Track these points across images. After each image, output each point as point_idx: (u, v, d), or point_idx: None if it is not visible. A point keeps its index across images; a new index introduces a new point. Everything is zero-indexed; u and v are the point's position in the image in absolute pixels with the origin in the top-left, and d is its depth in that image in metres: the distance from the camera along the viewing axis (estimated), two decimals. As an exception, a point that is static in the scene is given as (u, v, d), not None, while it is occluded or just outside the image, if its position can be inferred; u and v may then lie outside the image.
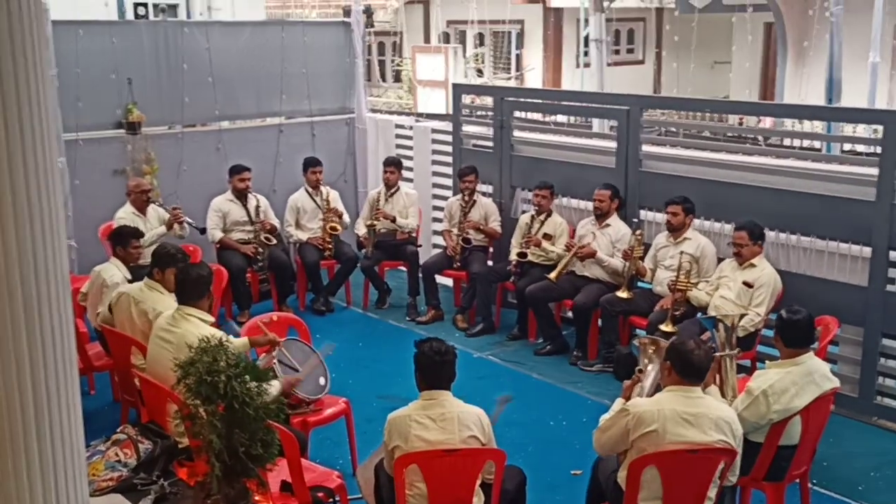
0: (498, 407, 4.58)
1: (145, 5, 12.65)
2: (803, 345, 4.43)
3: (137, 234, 6.15)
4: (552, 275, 6.96)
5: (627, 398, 4.17)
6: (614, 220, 6.99)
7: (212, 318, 4.77)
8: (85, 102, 7.66)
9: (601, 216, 6.98)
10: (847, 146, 9.50)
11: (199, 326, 4.54)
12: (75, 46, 7.56)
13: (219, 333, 4.22)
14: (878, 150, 5.86)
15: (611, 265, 6.87)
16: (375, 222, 8.09)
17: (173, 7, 13.01)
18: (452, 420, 3.85)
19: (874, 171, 5.82)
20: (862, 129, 10.89)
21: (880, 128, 5.83)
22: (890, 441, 5.70)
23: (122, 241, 6.02)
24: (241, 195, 7.83)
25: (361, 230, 8.26)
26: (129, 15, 12.12)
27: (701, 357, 3.84)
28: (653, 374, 4.26)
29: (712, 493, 3.85)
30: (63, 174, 7.37)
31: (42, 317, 2.29)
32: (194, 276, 4.73)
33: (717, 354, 4.55)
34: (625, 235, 6.88)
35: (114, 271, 5.86)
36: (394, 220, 8.08)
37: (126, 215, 7.06)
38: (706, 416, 3.79)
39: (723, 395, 4.45)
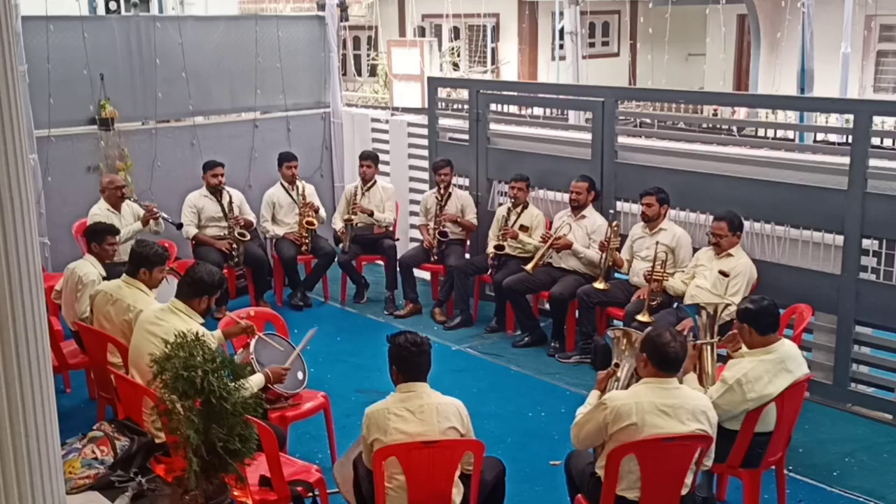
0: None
1: (117, 0, 12.52)
2: (775, 329, 4.48)
3: (112, 230, 6.10)
4: (528, 266, 6.98)
5: (602, 390, 4.20)
6: (590, 212, 7.02)
7: (200, 319, 4.75)
8: (56, 98, 7.59)
9: (577, 208, 7.01)
10: (819, 136, 9.59)
11: (185, 322, 4.53)
12: (46, 42, 7.49)
13: (198, 329, 4.21)
14: (850, 139, 5.92)
15: (587, 256, 6.90)
16: (353, 216, 8.07)
17: (145, 2, 12.91)
18: (431, 412, 3.85)
19: (846, 160, 5.88)
20: (834, 119, 11.00)
21: (851, 117, 5.89)
22: (864, 427, 5.77)
23: (97, 237, 5.97)
24: (216, 191, 7.80)
25: (338, 225, 8.24)
26: (101, 10, 11.98)
27: (677, 349, 3.86)
28: (627, 365, 4.28)
29: (689, 479, 3.89)
30: (35, 171, 7.31)
31: (15, 315, 2.27)
32: (198, 277, 4.73)
33: (698, 342, 4.60)
34: (601, 227, 6.91)
35: (88, 268, 5.80)
36: (371, 215, 8.07)
37: (100, 212, 7.01)
38: (683, 406, 3.82)
39: (701, 382, 4.49)
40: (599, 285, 6.68)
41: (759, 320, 4.43)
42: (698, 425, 3.81)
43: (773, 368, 4.34)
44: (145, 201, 7.37)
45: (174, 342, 3.38)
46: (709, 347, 4.59)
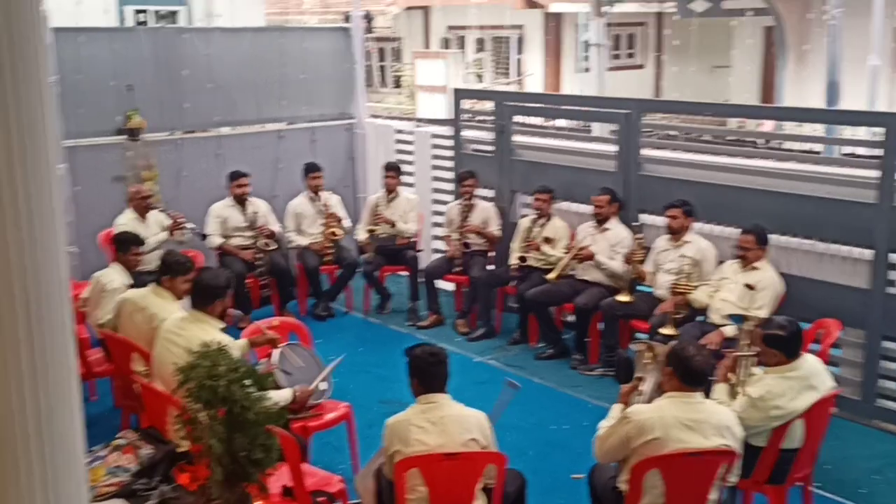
0: (504, 394, 4.54)
1: (145, 12, 12.67)
2: (798, 353, 4.41)
3: (138, 241, 6.16)
4: (551, 275, 6.96)
5: (625, 403, 4.17)
6: (614, 224, 6.99)
7: (221, 324, 4.78)
8: (85, 109, 7.68)
9: (601, 221, 6.99)
10: (847, 149, 9.51)
11: (207, 331, 4.55)
12: (76, 53, 7.58)
13: (222, 338, 4.22)
14: (879, 152, 5.86)
15: (610, 268, 6.87)
16: (376, 227, 8.09)
17: (173, 14, 13.05)
18: (452, 423, 3.85)
19: (875, 173, 5.82)
20: (862, 132, 10.89)
21: (881, 130, 5.83)
22: (892, 443, 5.70)
23: (123, 247, 6.03)
24: (240, 201, 7.84)
25: (362, 235, 8.26)
26: (130, 22, 12.15)
27: (701, 362, 3.83)
28: (651, 379, 4.26)
29: (714, 495, 3.85)
30: (63, 180, 7.38)
31: (42, 322, 2.29)
32: (204, 283, 4.77)
33: (737, 353, 4.56)
34: (624, 239, 6.88)
35: (114, 276, 5.86)
36: (394, 225, 8.08)
37: (127, 221, 7.07)
38: (707, 421, 3.79)
39: (733, 394, 4.44)
40: (623, 297, 6.64)
41: (789, 346, 4.37)
42: (722, 440, 3.77)
43: (797, 385, 4.29)
44: (171, 211, 7.42)
45: (198, 352, 3.40)
46: (746, 360, 4.55)
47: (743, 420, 4.11)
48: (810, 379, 4.34)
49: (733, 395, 4.46)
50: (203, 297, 4.75)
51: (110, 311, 5.62)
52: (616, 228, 6.97)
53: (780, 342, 4.37)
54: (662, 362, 4.00)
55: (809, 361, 4.45)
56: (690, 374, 3.82)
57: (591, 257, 6.90)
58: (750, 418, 4.23)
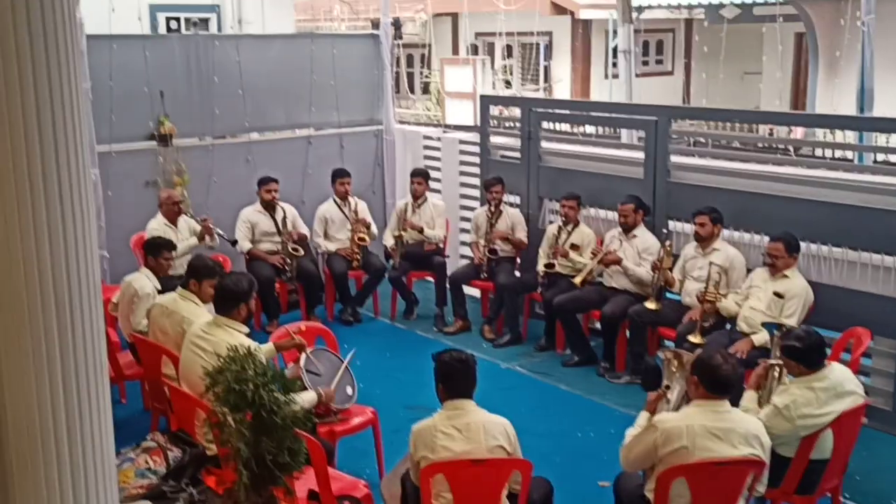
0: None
1: (177, 20, 12.81)
2: (823, 361, 4.39)
3: (170, 246, 6.23)
4: (577, 279, 6.95)
5: (652, 411, 4.15)
6: (641, 231, 6.96)
7: (246, 329, 4.81)
8: (118, 115, 7.78)
9: (627, 229, 6.96)
10: (880, 156, 9.39)
11: (233, 336, 4.59)
12: (109, 60, 7.67)
13: (249, 343, 4.26)
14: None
15: (636, 274, 6.84)
16: (403, 233, 8.11)
17: (205, 21, 13.17)
18: (478, 430, 3.85)
19: (907, 181, 5.76)
20: None
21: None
22: (924, 455, 5.62)
23: (155, 251, 6.09)
24: (269, 206, 7.90)
25: (389, 241, 8.28)
26: (162, 29, 12.28)
27: (728, 371, 3.81)
28: (678, 387, 4.24)
29: (741, 505, 3.83)
30: (96, 185, 7.48)
31: (74, 326, 2.33)
32: (228, 288, 4.80)
33: (770, 362, 4.57)
34: (652, 245, 6.85)
35: (144, 281, 5.92)
36: (421, 231, 8.10)
37: (158, 226, 7.15)
38: (735, 430, 3.76)
39: (762, 403, 4.42)
40: (651, 305, 6.61)
41: (808, 357, 4.34)
42: (750, 450, 3.74)
43: (823, 395, 4.26)
44: (201, 216, 7.49)
45: (227, 356, 3.43)
46: (779, 368, 4.52)
47: (769, 429, 4.07)
48: (837, 388, 4.30)
49: (762, 403, 4.44)
50: (226, 303, 4.79)
51: (142, 317, 5.69)
52: (643, 235, 6.94)
53: (796, 353, 4.34)
54: (688, 371, 3.98)
55: (837, 371, 4.40)
56: (717, 382, 3.80)
57: (618, 262, 6.87)
58: (776, 427, 4.20)
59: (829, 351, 4.64)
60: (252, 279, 5.03)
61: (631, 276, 6.87)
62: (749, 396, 4.53)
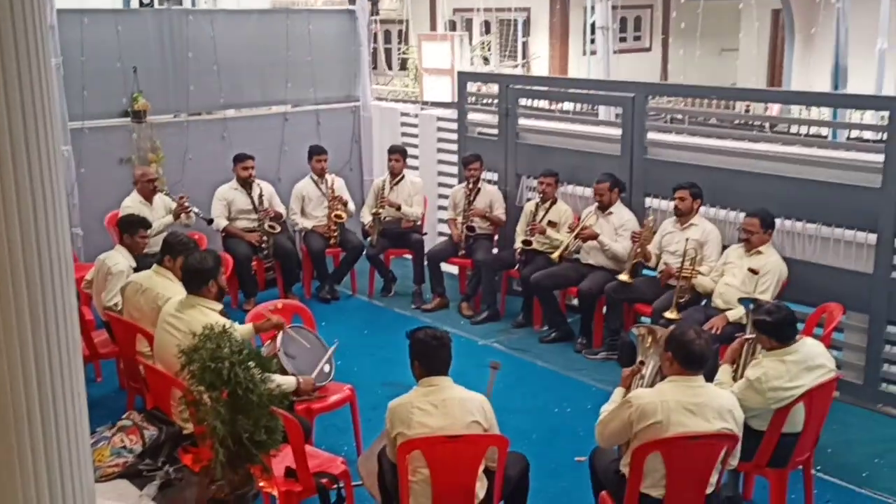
0: (491, 373, 4.55)
1: (150, -7, 12.63)
2: (794, 335, 4.45)
3: (146, 224, 6.19)
4: (554, 255, 6.98)
5: (627, 387, 4.18)
6: (617, 208, 6.98)
7: (219, 306, 4.78)
8: (90, 91, 7.68)
9: (603, 207, 6.97)
10: (854, 133, 9.46)
11: (205, 314, 4.56)
12: (80, 35, 7.57)
13: (224, 321, 4.24)
14: (885, 136, 5.84)
15: (612, 249, 6.86)
16: (380, 210, 8.09)
17: (178, -5, 12.99)
18: (454, 406, 3.86)
19: (880, 157, 5.80)
20: (869, 116, 10.84)
21: (887, 114, 5.80)
22: (894, 428, 5.70)
23: (131, 229, 6.04)
24: (246, 183, 7.85)
25: (366, 218, 8.26)
26: (134, 3, 12.11)
27: (702, 346, 3.83)
28: (652, 362, 4.27)
29: (714, 478, 3.87)
30: (69, 162, 7.40)
31: (46, 304, 2.31)
32: (194, 267, 4.74)
33: (745, 337, 4.63)
34: (628, 221, 6.88)
35: (119, 259, 5.88)
36: (399, 208, 8.08)
37: (132, 204, 7.08)
38: (708, 405, 3.80)
39: (736, 377, 4.48)
40: (624, 277, 6.63)
41: (779, 331, 4.40)
42: (724, 424, 3.78)
43: (794, 368, 4.32)
44: (177, 194, 7.43)
45: (202, 334, 3.42)
46: (750, 343, 4.58)
47: (742, 402, 4.12)
48: (808, 361, 4.36)
49: (736, 378, 4.49)
50: (194, 281, 4.74)
51: (116, 294, 5.65)
52: (620, 212, 6.96)
53: (767, 327, 4.40)
54: (662, 346, 4.01)
55: (808, 345, 4.47)
56: (690, 358, 3.83)
57: (594, 237, 6.89)
58: (748, 400, 4.25)
59: (801, 326, 4.69)
60: (218, 255, 5.00)
61: (607, 252, 6.90)
62: (724, 370, 4.59)
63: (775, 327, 4.38)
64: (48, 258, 2.30)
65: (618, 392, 4.20)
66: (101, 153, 7.85)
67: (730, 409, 3.84)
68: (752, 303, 4.81)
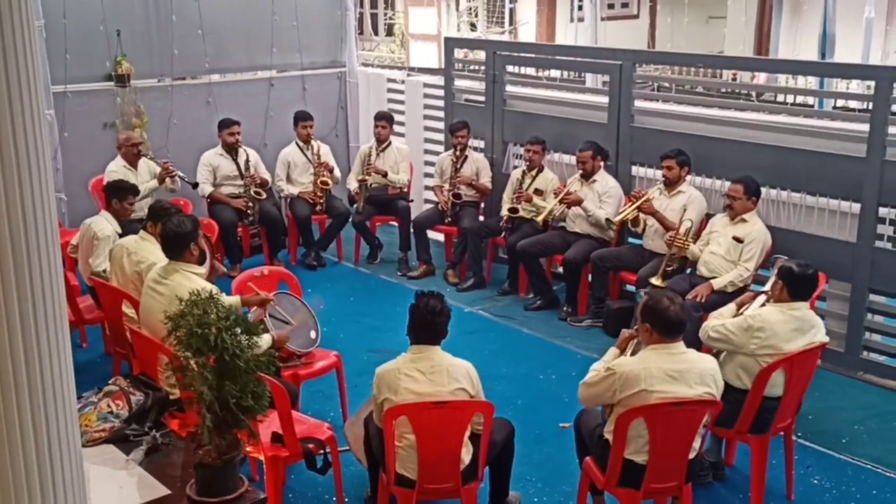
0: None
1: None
2: (806, 298, 4.56)
3: (135, 190, 6.17)
4: (539, 218, 6.98)
5: (622, 349, 4.18)
6: (601, 176, 6.98)
7: (201, 270, 4.77)
8: (73, 54, 7.58)
9: (587, 175, 6.97)
10: (840, 102, 9.47)
11: (189, 279, 4.55)
12: (62, -3, 7.46)
13: (209, 286, 4.23)
14: (870, 106, 5.85)
15: (595, 216, 6.86)
16: (367, 177, 8.06)
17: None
18: (441, 373, 3.88)
19: (865, 127, 5.82)
20: (855, 85, 10.85)
21: (873, 83, 5.81)
22: (875, 395, 5.78)
23: (120, 195, 6.00)
24: (231, 149, 7.80)
25: (353, 185, 8.23)
26: (117, -35, 11.93)
27: (677, 311, 3.84)
28: None
29: (697, 443, 3.92)
30: (52, 126, 7.33)
31: (31, 269, 2.30)
32: (173, 231, 4.70)
33: (761, 290, 4.85)
34: (612, 188, 6.89)
35: (104, 224, 5.85)
36: (385, 175, 8.05)
37: (117, 169, 7.03)
38: (691, 371, 3.83)
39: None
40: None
41: (797, 285, 4.51)
42: (705, 388, 3.82)
43: (790, 325, 4.43)
44: (161, 159, 7.38)
45: (188, 299, 3.41)
46: (766, 297, 4.72)
47: (728, 337, 4.39)
48: (804, 324, 4.46)
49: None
50: (175, 247, 4.71)
51: (105, 259, 5.63)
52: (604, 179, 6.96)
53: (789, 276, 4.51)
54: (639, 319, 4.01)
55: (810, 313, 4.56)
56: (667, 324, 3.84)
57: (579, 202, 6.88)
58: (737, 336, 4.42)
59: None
60: (196, 219, 4.97)
61: (590, 218, 6.90)
62: (729, 307, 4.79)
63: (796, 280, 4.50)
64: (33, 223, 2.29)
65: (611, 353, 4.20)
66: (84, 117, 7.78)
67: (711, 373, 3.88)
68: (775, 259, 4.96)
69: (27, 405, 2.32)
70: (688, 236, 6.23)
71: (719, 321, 4.58)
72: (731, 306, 4.79)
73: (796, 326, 4.42)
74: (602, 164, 6.98)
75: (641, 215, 6.57)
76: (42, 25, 7.12)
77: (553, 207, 6.99)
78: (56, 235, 2.42)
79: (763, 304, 4.68)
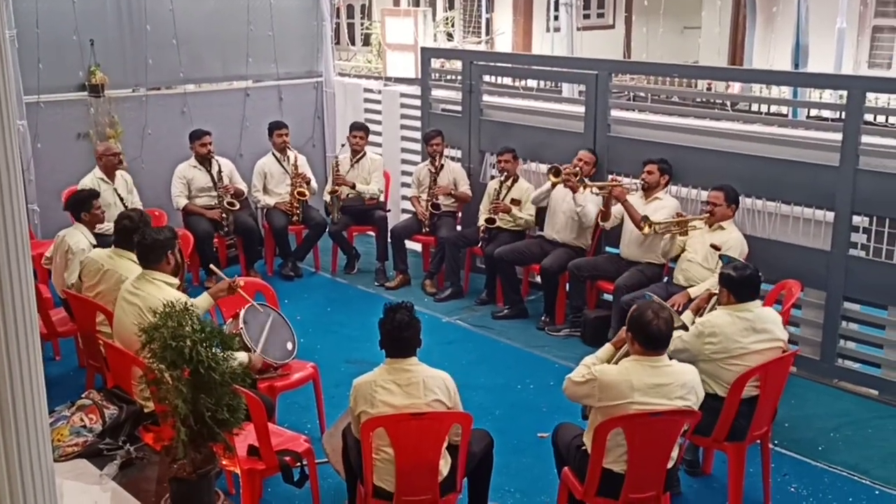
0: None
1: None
2: (753, 298, 4.62)
3: (95, 194, 6.08)
4: (555, 179, 6.77)
5: (617, 348, 4.15)
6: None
7: (176, 281, 4.72)
8: (46, 64, 7.51)
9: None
10: (813, 112, 9.57)
11: (163, 290, 4.51)
12: (35, 6, 7.38)
13: (183, 297, 4.19)
14: (843, 115, 5.91)
15: (585, 209, 6.76)
16: (337, 188, 8.03)
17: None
18: (418, 385, 3.85)
19: (838, 136, 5.87)
20: (828, 95, 10.97)
21: (845, 93, 5.87)
22: (850, 403, 5.81)
23: (84, 206, 5.92)
24: (205, 160, 7.75)
25: (328, 196, 8.20)
26: (91, -26, 11.85)
27: (660, 326, 3.81)
28: None
29: (675, 453, 3.92)
30: (24, 137, 7.25)
31: (2, 282, 2.26)
32: (150, 241, 4.66)
33: (712, 291, 4.96)
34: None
35: (79, 237, 5.78)
36: (353, 187, 8.02)
37: (92, 182, 6.92)
38: (673, 384, 3.80)
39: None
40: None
41: (740, 290, 4.57)
42: (684, 402, 3.82)
43: (741, 326, 4.48)
44: (136, 170, 7.29)
45: (162, 312, 3.38)
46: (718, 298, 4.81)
47: (685, 346, 4.46)
48: (756, 323, 4.51)
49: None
50: (150, 255, 4.66)
51: (76, 273, 5.56)
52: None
53: (729, 281, 4.59)
54: (625, 325, 4.00)
55: (763, 310, 4.64)
56: (650, 339, 3.82)
57: (575, 189, 6.67)
58: (692, 345, 4.49)
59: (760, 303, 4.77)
60: (173, 228, 4.93)
61: (579, 209, 6.77)
62: (686, 316, 4.90)
63: (736, 284, 4.56)
64: (3, 235, 2.25)
65: (606, 349, 4.15)
66: (57, 128, 7.70)
67: (693, 386, 3.87)
68: (728, 259, 4.99)
69: (-3, 421, 2.28)
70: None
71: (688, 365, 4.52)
72: (689, 314, 4.93)
73: (746, 326, 4.50)
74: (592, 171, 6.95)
75: (613, 210, 6.59)
76: (14, 35, 7.05)
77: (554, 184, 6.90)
78: (27, 247, 2.38)
79: (713, 308, 4.82)
